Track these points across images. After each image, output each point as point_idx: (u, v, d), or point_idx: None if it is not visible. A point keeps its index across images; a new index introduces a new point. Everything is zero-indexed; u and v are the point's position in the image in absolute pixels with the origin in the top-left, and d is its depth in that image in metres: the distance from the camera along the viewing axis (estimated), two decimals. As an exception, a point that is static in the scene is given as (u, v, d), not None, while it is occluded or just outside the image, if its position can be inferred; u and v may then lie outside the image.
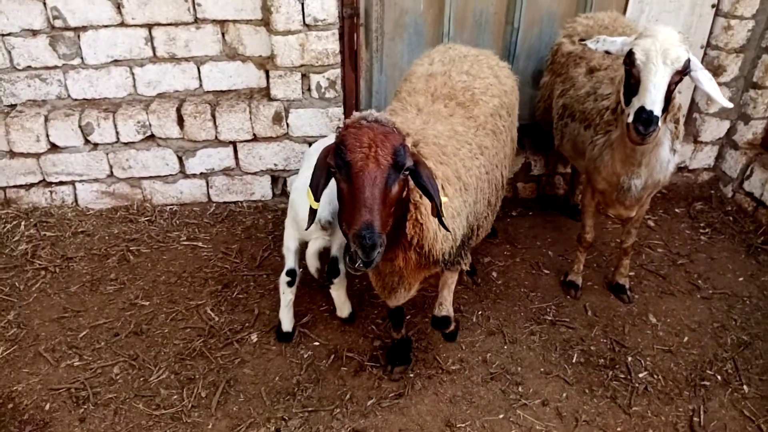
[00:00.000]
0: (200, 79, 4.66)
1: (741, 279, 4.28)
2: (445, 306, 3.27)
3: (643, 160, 3.16)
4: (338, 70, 4.44)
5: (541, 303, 4.02)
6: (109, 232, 4.60)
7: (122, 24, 4.40)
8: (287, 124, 4.59)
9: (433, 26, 4.61)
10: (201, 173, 4.77)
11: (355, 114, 2.36)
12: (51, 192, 4.74)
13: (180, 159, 4.69)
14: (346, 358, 3.57)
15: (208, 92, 4.71)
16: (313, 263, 3.48)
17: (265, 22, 4.36)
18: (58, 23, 4.34)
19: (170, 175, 4.74)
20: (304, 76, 4.44)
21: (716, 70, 4.83)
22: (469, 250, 3.12)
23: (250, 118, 4.55)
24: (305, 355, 3.58)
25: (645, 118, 2.62)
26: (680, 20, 4.77)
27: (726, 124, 5.07)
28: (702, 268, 4.38)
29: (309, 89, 4.49)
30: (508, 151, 3.49)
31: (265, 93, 4.59)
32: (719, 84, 4.80)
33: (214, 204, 4.93)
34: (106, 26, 4.40)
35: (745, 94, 4.91)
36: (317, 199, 2.43)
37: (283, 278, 3.54)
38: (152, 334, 3.71)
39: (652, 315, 3.94)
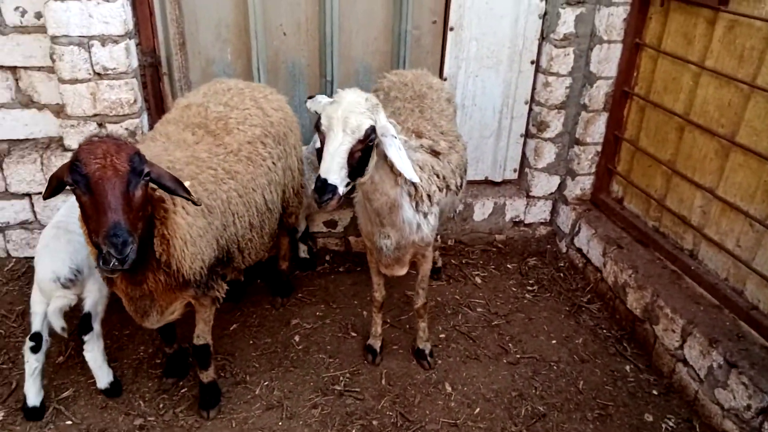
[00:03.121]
0: (-8, 127, 4.33)
1: (554, 342, 4.16)
2: (202, 336, 3.28)
3: (385, 221, 3.09)
4: (137, 120, 4.19)
5: (337, 370, 3.79)
6: None
7: None
8: (86, 177, 4.29)
9: (244, 76, 4.43)
10: (-5, 226, 4.41)
11: (89, 135, 2.42)
12: None
13: (-30, 215, 4.32)
14: (96, 441, 3.23)
15: (2, 140, 4.37)
16: (57, 322, 3.22)
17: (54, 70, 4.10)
18: None
19: (-46, 228, 4.36)
20: (100, 125, 4.17)
21: (540, 126, 4.80)
22: (223, 275, 3.21)
23: (42, 169, 4.24)
24: (49, 438, 3.22)
25: (319, 187, 2.52)
26: (500, 76, 4.74)
27: (556, 180, 5.04)
28: (517, 329, 4.25)
29: (108, 140, 4.21)
30: (276, 176, 3.57)
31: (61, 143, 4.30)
32: (545, 139, 4.80)
33: (14, 260, 4.55)
34: None
35: (571, 150, 4.90)
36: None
37: (27, 344, 3.22)
38: None
39: (449, 383, 3.74)
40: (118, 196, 2.25)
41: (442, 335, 4.14)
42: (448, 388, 3.72)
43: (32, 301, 3.27)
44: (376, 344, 3.88)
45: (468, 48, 4.62)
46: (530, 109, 4.90)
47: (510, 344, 4.10)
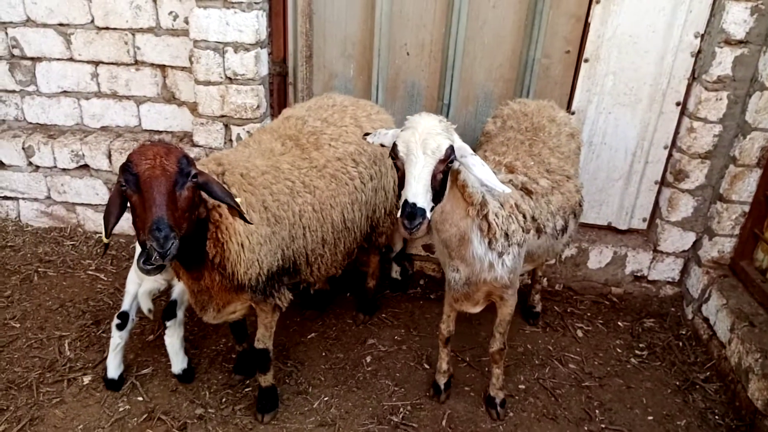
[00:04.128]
0: (139, 117, 4.81)
1: (650, 418, 3.67)
2: (262, 340, 3.32)
3: (453, 254, 2.96)
4: (259, 125, 4.42)
5: (399, 400, 3.66)
6: (34, 251, 4.80)
7: (71, 59, 4.66)
8: (207, 172, 4.62)
9: (363, 92, 4.49)
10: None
11: (143, 140, 2.57)
12: (-2, 205, 5.05)
13: (110, 190, 4.83)
14: (158, 420, 3.41)
15: (146, 130, 4.85)
16: (145, 303, 3.48)
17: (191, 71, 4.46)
18: (16, 52, 4.68)
19: (100, 204, 4.89)
20: (226, 126, 4.46)
21: (678, 175, 4.29)
22: (287, 285, 3.24)
23: (172, 160, 4.62)
24: (121, 409, 3.46)
25: (409, 212, 2.40)
26: (637, 116, 4.30)
27: (691, 237, 4.45)
28: (609, 396, 3.81)
29: (231, 140, 4.49)
30: (364, 196, 3.55)
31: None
32: (683, 190, 4.30)
33: (142, 240, 5.02)
34: (57, 59, 4.68)
35: (712, 207, 4.30)
36: (108, 233, 2.59)
37: (114, 321, 3.50)
38: (1, 357, 3.77)
39: (515, 440, 3.46)
40: (164, 194, 2.34)
41: (522, 386, 3.83)
42: (512, 446, 3.43)
43: (128, 280, 3.56)
44: (441, 381, 3.69)
45: (603, 82, 4.25)
46: (669, 155, 4.39)
47: (597, 410, 3.68)
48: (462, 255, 2.94)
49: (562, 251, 3.80)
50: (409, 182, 2.44)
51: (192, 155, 4.54)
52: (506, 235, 2.95)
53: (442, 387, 3.68)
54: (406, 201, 2.42)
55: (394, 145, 2.52)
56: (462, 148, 2.57)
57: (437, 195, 2.53)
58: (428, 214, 2.46)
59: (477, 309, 3.33)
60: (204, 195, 2.58)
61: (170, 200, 2.36)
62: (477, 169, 2.57)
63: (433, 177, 2.47)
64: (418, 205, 2.41)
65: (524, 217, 3.06)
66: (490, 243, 2.89)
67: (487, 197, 2.82)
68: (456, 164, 2.58)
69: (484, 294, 3.21)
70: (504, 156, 3.32)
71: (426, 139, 2.46)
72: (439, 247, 3.14)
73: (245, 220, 2.65)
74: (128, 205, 2.50)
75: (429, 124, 2.52)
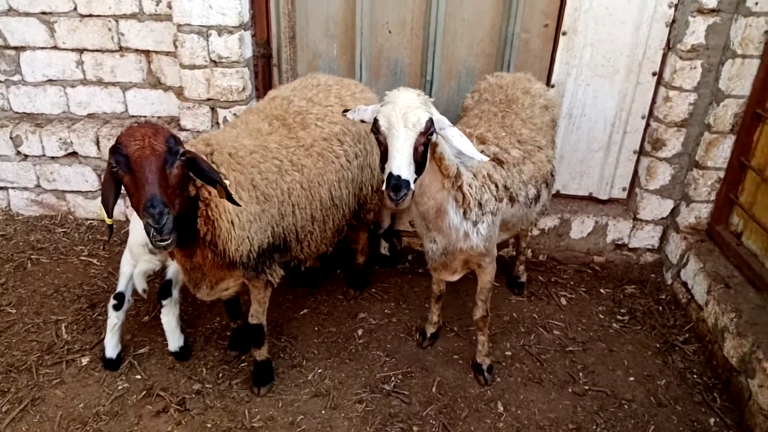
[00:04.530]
0: (126, 104, 4.85)
1: (631, 379, 3.82)
2: (256, 316, 3.42)
3: (431, 225, 3.07)
4: (245, 107, 4.47)
5: (390, 370, 3.78)
6: (26, 239, 4.86)
7: (55, 47, 4.69)
8: (196, 155, 4.68)
9: (347, 71, 4.55)
10: (118, 193, 4.95)
11: (130, 123, 2.64)
12: (-12, 195, 5.09)
13: (99, 177, 4.89)
14: (157, 396, 3.51)
15: (132, 116, 4.90)
16: (140, 283, 3.58)
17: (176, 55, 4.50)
18: (-1, 41, 4.71)
19: (90, 191, 4.95)
20: (212, 109, 4.51)
21: (655, 144, 4.40)
22: (288, 262, 3.39)
23: (160, 145, 4.67)
24: (120, 387, 3.56)
25: (394, 184, 2.49)
26: (615, 86, 4.40)
27: (669, 204, 4.59)
28: (592, 359, 3.95)
29: (218, 123, 4.55)
30: (350, 174, 3.62)
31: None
32: (660, 159, 4.42)
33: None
34: (42, 48, 4.70)
35: (689, 174, 4.43)
36: (110, 214, 2.63)
37: (110, 301, 3.59)
38: (0, 342, 3.86)
39: (503, 403, 3.58)
40: (155, 172, 2.41)
41: (509, 353, 3.97)
42: (500, 408, 3.56)
43: (122, 261, 3.65)
44: (429, 330, 3.94)
45: (581, 54, 4.34)
46: (647, 125, 4.50)
47: (580, 373, 3.83)
48: (439, 226, 3.05)
49: (537, 220, 3.90)
50: (393, 155, 2.52)
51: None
52: (480, 204, 3.06)
53: (428, 335, 3.92)
54: (390, 174, 2.51)
55: (376, 120, 2.60)
56: (440, 120, 2.66)
57: (419, 167, 2.62)
58: (412, 186, 2.55)
59: (455, 277, 3.46)
60: (192, 174, 2.65)
61: (161, 178, 2.43)
62: (456, 140, 2.67)
63: (415, 150, 2.56)
64: (403, 177, 2.50)
65: (496, 186, 3.17)
66: (465, 213, 3.01)
67: (461, 169, 2.92)
68: (435, 137, 2.67)
69: (461, 263, 3.32)
70: (475, 128, 3.42)
71: (406, 113, 2.54)
72: (417, 220, 3.25)
73: (233, 201, 2.72)
74: (122, 186, 2.56)
75: (408, 98, 2.60)
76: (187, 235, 2.80)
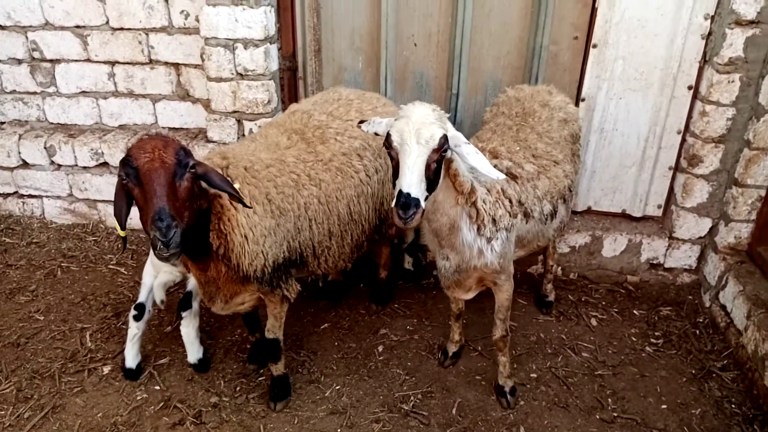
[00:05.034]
0: (155, 115, 4.92)
1: (664, 407, 3.64)
2: (272, 330, 3.38)
3: (444, 242, 2.98)
4: (270, 119, 4.47)
5: (410, 389, 3.69)
6: (57, 247, 4.96)
7: (88, 60, 4.79)
8: (222, 167, 4.71)
9: (372, 84, 4.52)
10: (147, 203, 5.02)
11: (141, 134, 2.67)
12: (23, 203, 5.22)
13: (129, 188, 4.95)
14: (174, 408, 3.51)
15: (163, 128, 4.96)
16: (159, 294, 3.60)
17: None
18: (36, 54, 4.83)
19: (120, 201, 5.01)
20: (238, 121, 4.53)
21: (691, 160, 4.23)
22: (293, 277, 3.28)
23: (188, 156, 4.72)
24: (138, 398, 3.57)
25: (403, 202, 2.42)
26: (649, 101, 4.25)
27: (707, 223, 4.39)
28: (622, 384, 3.79)
29: (243, 135, 4.57)
30: (370, 189, 3.57)
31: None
32: (697, 176, 4.24)
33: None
34: (75, 60, 4.81)
35: (728, 192, 4.23)
36: (122, 226, 2.66)
37: (131, 312, 3.61)
38: (27, 349, 3.92)
39: (526, 428, 3.45)
40: (164, 185, 2.41)
41: (534, 375, 3.84)
42: (522, 433, 3.44)
43: (144, 272, 3.67)
44: (450, 348, 3.84)
45: (612, 68, 4.21)
46: (682, 140, 4.33)
47: (609, 399, 3.67)
48: (452, 243, 2.96)
49: (554, 236, 3.76)
50: (404, 172, 2.46)
51: (207, 150, 4.64)
52: (494, 220, 2.97)
53: (450, 354, 3.83)
54: (400, 191, 2.44)
55: (388, 134, 2.54)
56: (455, 137, 2.59)
57: (431, 184, 2.54)
58: (423, 204, 2.47)
59: (469, 295, 3.37)
60: (204, 185, 2.64)
61: (170, 191, 2.43)
62: (471, 158, 2.59)
63: (427, 167, 2.48)
64: (413, 195, 2.42)
65: (510, 201, 3.08)
66: (478, 229, 2.92)
67: (475, 184, 2.84)
68: (449, 153, 2.60)
69: (476, 280, 3.23)
70: (488, 142, 3.34)
71: (420, 128, 2.47)
72: (428, 237, 3.16)
73: (245, 205, 2.71)
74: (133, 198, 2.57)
75: (422, 113, 2.53)
76: (200, 249, 2.79)
